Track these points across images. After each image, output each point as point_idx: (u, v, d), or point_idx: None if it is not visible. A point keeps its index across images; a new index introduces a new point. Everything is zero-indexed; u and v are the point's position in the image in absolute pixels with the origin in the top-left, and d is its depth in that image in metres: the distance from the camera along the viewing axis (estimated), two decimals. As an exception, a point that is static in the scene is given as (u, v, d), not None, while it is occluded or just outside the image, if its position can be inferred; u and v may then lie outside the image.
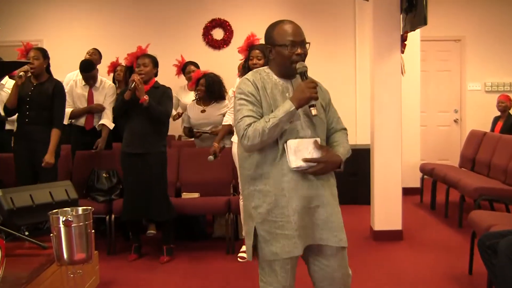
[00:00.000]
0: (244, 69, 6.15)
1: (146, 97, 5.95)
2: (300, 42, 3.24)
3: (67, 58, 9.09)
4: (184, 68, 8.42)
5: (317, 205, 3.23)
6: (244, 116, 3.15)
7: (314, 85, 3.16)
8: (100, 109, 7.24)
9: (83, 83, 7.37)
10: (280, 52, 3.23)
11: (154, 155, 6.14)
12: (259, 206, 3.23)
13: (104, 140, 7.18)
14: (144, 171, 6.11)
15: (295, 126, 3.20)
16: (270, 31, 3.30)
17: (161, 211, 6.20)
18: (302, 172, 3.19)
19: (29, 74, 6.24)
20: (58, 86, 6.37)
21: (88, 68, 7.26)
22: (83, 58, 7.77)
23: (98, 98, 7.30)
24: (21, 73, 6.15)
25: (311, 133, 3.24)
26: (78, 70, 7.46)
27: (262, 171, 3.21)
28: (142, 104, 5.96)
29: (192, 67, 8.24)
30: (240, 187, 3.63)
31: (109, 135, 7.30)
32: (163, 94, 6.22)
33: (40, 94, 6.22)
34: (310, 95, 3.12)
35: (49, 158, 6.10)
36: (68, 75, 8.22)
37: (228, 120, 6.46)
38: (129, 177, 6.20)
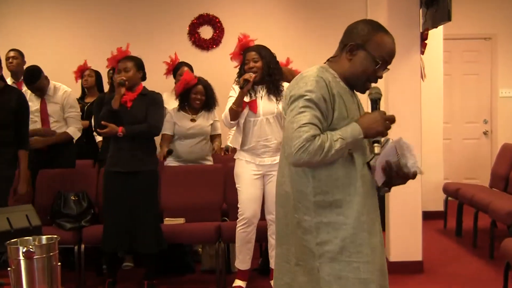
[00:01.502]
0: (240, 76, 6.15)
1: (120, 129, 6.04)
2: (388, 65, 3.17)
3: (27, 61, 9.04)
4: (176, 70, 8.03)
5: (382, 243, 3.17)
6: (309, 123, 2.93)
7: (392, 122, 3.11)
8: (48, 134, 7.10)
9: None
10: (365, 61, 3.09)
11: (145, 174, 6.20)
12: (328, 242, 3.02)
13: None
14: (134, 192, 6.14)
15: (363, 148, 3.14)
16: (370, 32, 3.13)
17: (151, 242, 6.20)
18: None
19: None
20: (22, 97, 6.23)
21: (34, 77, 6.99)
22: (45, 61, 7.61)
23: (53, 109, 7.19)
24: None
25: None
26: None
27: (333, 197, 3.03)
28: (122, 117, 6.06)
29: (186, 69, 7.90)
30: (286, 214, 3.21)
31: (73, 150, 7.28)
32: (150, 102, 6.28)
33: (2, 108, 6.02)
34: (383, 131, 3.06)
35: (22, 188, 6.17)
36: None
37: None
38: (114, 200, 6.20)
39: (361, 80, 3.12)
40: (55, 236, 3.53)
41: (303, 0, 10.50)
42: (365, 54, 3.08)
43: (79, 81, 8.36)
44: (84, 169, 7.36)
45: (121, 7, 10.40)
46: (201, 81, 7.28)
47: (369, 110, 3.19)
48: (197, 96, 7.19)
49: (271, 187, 5.94)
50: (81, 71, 8.19)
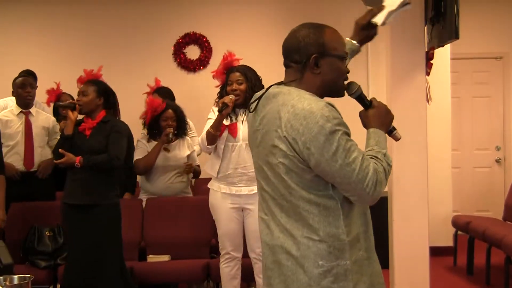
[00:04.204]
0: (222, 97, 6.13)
1: (78, 159, 6.03)
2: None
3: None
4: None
5: None
6: (361, 156, 2.91)
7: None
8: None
9: (18, 110, 7.30)
10: (336, 65, 3.10)
11: (104, 208, 6.15)
12: (359, 281, 2.98)
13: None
14: (93, 228, 6.08)
15: None
16: (317, 35, 3.15)
17: (115, 284, 6.14)
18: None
19: None
20: None
21: (33, 75, 7.35)
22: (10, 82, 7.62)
23: (36, 132, 7.26)
24: None
25: None
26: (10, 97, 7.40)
27: (358, 230, 3.00)
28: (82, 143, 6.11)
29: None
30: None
31: (51, 180, 7.27)
32: (111, 130, 6.23)
33: None
34: (393, 116, 3.18)
35: (2, 215, 6.21)
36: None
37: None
38: (72, 234, 6.20)
39: (340, 84, 3.13)
40: (28, 275, 3.53)
41: (299, 20, 10.53)
42: (329, 59, 3.08)
43: (52, 106, 8.27)
44: (59, 202, 7.32)
45: (98, 23, 10.38)
46: (169, 105, 7.25)
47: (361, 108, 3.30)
48: (168, 122, 7.14)
49: (252, 223, 5.94)
50: (56, 96, 8.08)
